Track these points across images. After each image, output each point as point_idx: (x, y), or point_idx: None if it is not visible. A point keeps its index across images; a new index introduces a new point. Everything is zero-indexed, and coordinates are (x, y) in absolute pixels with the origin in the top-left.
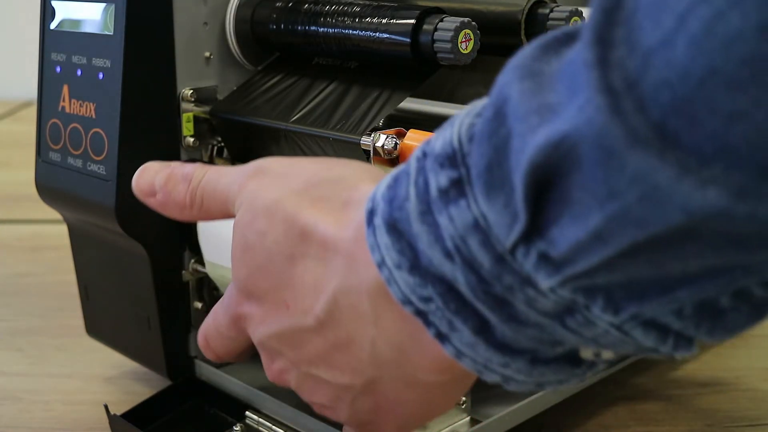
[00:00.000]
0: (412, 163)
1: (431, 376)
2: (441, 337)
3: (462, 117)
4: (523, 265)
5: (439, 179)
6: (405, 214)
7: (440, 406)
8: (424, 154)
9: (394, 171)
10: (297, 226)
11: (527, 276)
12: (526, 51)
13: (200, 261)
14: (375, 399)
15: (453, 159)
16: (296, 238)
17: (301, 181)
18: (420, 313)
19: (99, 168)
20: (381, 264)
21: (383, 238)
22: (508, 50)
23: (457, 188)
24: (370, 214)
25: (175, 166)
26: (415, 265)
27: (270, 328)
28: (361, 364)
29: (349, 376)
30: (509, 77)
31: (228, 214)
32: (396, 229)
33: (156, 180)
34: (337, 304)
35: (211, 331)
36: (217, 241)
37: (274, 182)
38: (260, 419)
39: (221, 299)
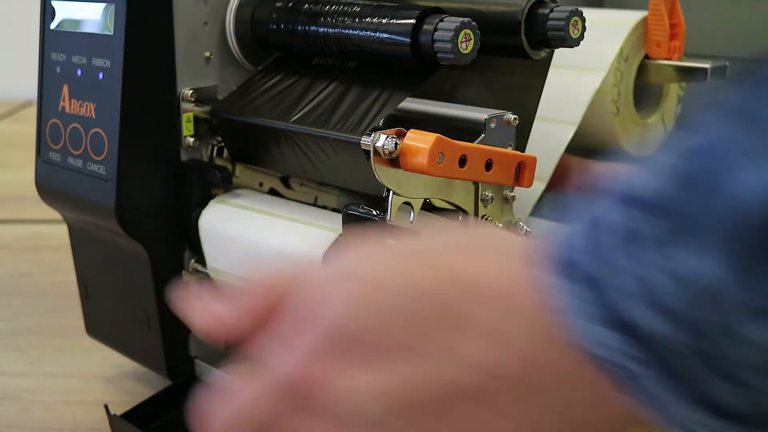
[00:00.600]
0: (607, 211)
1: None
2: (643, 399)
3: (667, 152)
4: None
5: (653, 225)
6: (608, 265)
7: None
8: (628, 199)
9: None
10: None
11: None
12: (732, 90)
13: (200, 261)
14: None
15: (657, 207)
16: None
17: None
18: (617, 372)
19: (99, 168)
20: (564, 312)
21: (580, 291)
22: (508, 50)
23: (671, 234)
24: (569, 267)
25: None
26: (611, 319)
27: (382, 392)
28: None
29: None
30: (716, 116)
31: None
32: (595, 281)
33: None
34: (523, 363)
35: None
36: (221, 248)
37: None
38: None
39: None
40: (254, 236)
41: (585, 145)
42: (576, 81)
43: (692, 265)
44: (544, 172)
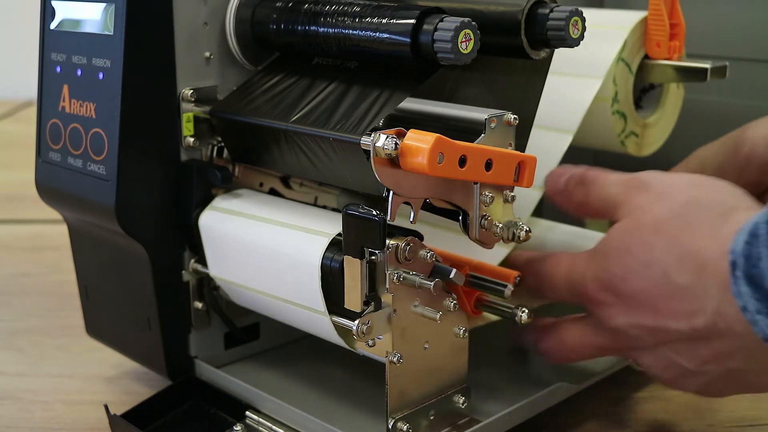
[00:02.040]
0: (762, 227)
1: None
2: None
3: None
4: None
5: None
6: (760, 271)
7: None
8: None
9: (750, 223)
10: (677, 249)
11: None
12: None
13: (200, 261)
14: (728, 380)
15: None
16: (674, 258)
17: (680, 203)
18: None
19: (99, 168)
20: (744, 309)
21: (744, 288)
22: (508, 50)
23: None
24: (733, 267)
25: (575, 172)
26: None
27: (634, 320)
28: (726, 359)
29: (711, 365)
30: None
31: (611, 216)
32: (754, 282)
33: (561, 181)
34: (715, 324)
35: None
36: (220, 259)
37: (658, 201)
38: (260, 419)
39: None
40: (251, 244)
41: (585, 146)
42: (573, 88)
43: None
44: (542, 180)
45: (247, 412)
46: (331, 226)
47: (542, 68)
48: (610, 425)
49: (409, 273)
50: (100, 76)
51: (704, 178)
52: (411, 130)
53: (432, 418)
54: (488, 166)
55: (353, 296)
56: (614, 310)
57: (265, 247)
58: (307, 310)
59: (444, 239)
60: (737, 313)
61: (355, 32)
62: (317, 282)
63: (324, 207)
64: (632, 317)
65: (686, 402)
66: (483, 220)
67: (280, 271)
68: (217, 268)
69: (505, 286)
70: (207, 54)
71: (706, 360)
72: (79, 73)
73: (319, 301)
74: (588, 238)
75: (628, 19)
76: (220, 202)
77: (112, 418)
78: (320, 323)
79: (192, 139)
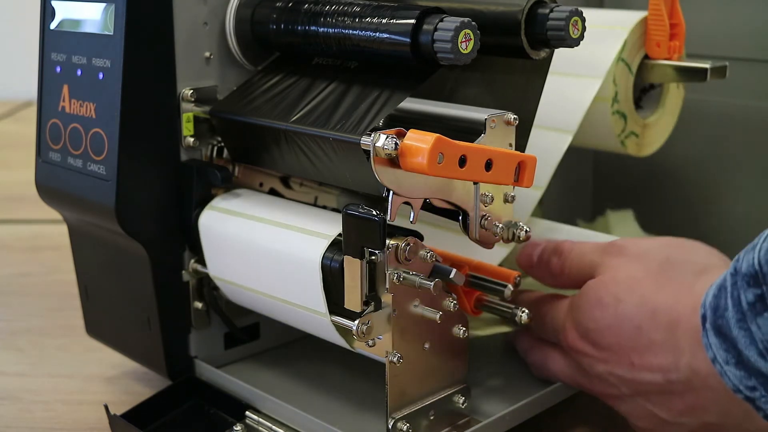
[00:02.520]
0: (728, 279)
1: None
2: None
3: (762, 239)
4: None
5: (747, 295)
6: (726, 321)
7: None
8: (736, 271)
9: (718, 280)
10: (651, 305)
11: None
12: None
13: (200, 261)
14: (703, 431)
15: (756, 279)
16: (648, 314)
17: (657, 262)
18: (749, 399)
19: (99, 168)
20: (714, 360)
21: (713, 339)
22: (508, 50)
23: (762, 303)
24: (703, 319)
25: (548, 243)
26: (740, 361)
27: (611, 369)
28: (701, 413)
29: (687, 417)
30: None
31: (588, 279)
32: (721, 333)
33: (534, 253)
34: (689, 379)
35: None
36: (220, 259)
37: (634, 262)
38: (260, 419)
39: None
40: (251, 244)
41: (585, 146)
42: (573, 88)
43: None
44: (541, 180)
45: (247, 412)
46: (331, 226)
47: (542, 68)
48: (610, 425)
49: (409, 273)
50: (100, 76)
51: (680, 240)
52: (411, 130)
53: (432, 418)
54: (488, 166)
55: (353, 296)
56: (593, 359)
57: (265, 248)
58: (307, 310)
59: (444, 239)
60: (710, 368)
61: (355, 32)
62: (318, 282)
63: (324, 207)
64: (609, 367)
65: None
66: (483, 220)
67: (280, 271)
68: (216, 268)
69: (505, 286)
70: (207, 54)
71: (681, 412)
72: (79, 73)
73: (320, 301)
74: (589, 237)
75: (628, 19)
76: (219, 202)
77: (112, 418)
78: (320, 323)
79: (192, 139)
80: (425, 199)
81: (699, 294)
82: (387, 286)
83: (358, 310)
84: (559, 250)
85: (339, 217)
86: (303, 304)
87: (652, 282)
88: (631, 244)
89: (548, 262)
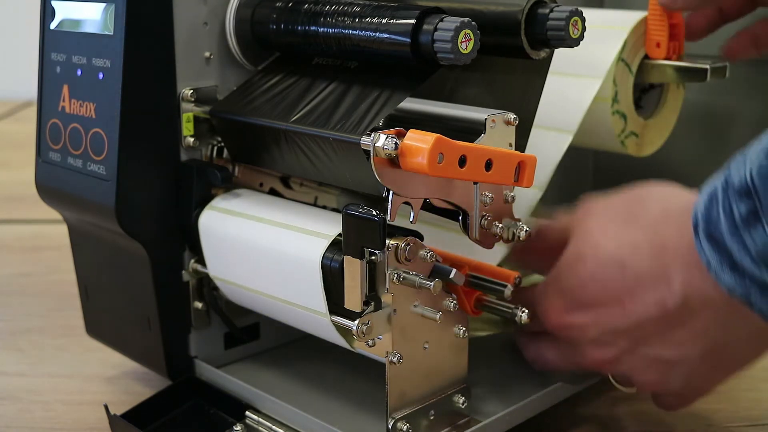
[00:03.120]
0: (719, 188)
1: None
2: (764, 315)
3: (755, 153)
4: None
5: (740, 208)
6: (719, 231)
7: (759, 357)
8: (727, 183)
9: (708, 189)
10: (628, 239)
11: None
12: None
13: (200, 261)
14: (710, 362)
15: (748, 193)
16: (628, 249)
17: (623, 204)
18: (744, 299)
19: (99, 168)
20: (708, 264)
21: (706, 245)
22: (508, 50)
23: (755, 216)
24: (695, 228)
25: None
26: (734, 267)
27: (603, 326)
28: (702, 335)
29: (689, 348)
30: None
31: (563, 243)
32: (715, 241)
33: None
34: (686, 298)
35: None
36: (220, 259)
37: (602, 211)
38: (260, 419)
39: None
40: (250, 244)
41: (585, 146)
42: (573, 88)
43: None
44: (541, 180)
45: (247, 412)
46: (331, 226)
47: (542, 68)
48: (610, 425)
49: (409, 273)
50: (100, 76)
51: (643, 185)
52: (411, 130)
53: (432, 418)
54: (488, 166)
55: (353, 296)
56: (582, 326)
57: (265, 248)
58: (307, 310)
59: (444, 239)
60: (705, 279)
61: (355, 32)
62: (318, 282)
63: (324, 207)
64: (600, 325)
65: None
66: (483, 220)
67: (280, 271)
68: (216, 268)
69: (505, 286)
70: (207, 54)
71: (683, 342)
72: (79, 73)
73: (320, 301)
74: None
75: (628, 19)
76: (219, 202)
77: (112, 418)
78: (320, 323)
79: (192, 139)
80: (425, 199)
81: (677, 218)
82: (387, 286)
83: (358, 310)
84: (539, 232)
85: (339, 217)
86: (303, 304)
87: (623, 222)
88: (595, 201)
89: (533, 246)
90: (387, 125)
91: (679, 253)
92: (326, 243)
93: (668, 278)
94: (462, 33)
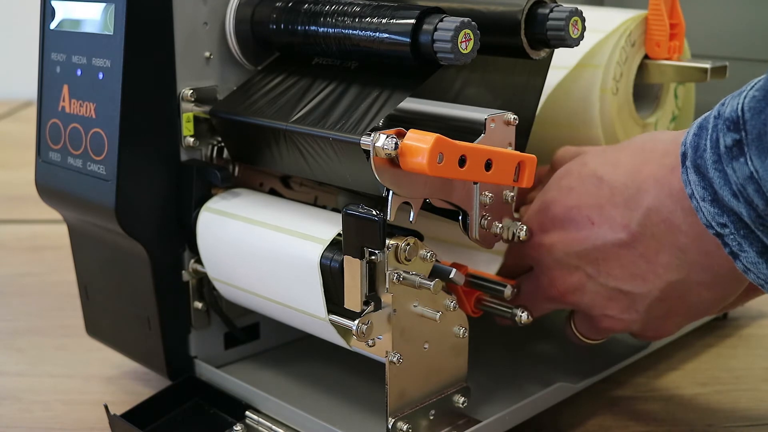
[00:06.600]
0: (710, 119)
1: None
2: (733, 255)
3: (749, 87)
4: None
5: (726, 139)
6: (704, 161)
7: (718, 306)
8: (719, 114)
9: (699, 120)
10: (613, 157)
11: None
12: None
13: (200, 261)
14: (669, 302)
15: (736, 124)
16: (610, 166)
17: (620, 144)
18: (718, 235)
19: (99, 168)
20: (691, 195)
21: (692, 176)
22: (508, 50)
23: (739, 147)
24: (683, 157)
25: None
26: (714, 199)
27: (571, 247)
28: (664, 271)
29: (650, 283)
30: None
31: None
32: (700, 171)
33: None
34: (649, 219)
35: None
36: (217, 260)
37: (595, 152)
38: (260, 419)
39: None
40: (248, 246)
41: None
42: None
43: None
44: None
45: (247, 412)
46: (331, 226)
47: (542, 68)
48: (610, 425)
49: (409, 273)
50: (100, 76)
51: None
52: (411, 130)
53: (432, 418)
54: (488, 166)
55: (353, 296)
56: (550, 245)
57: (265, 248)
58: (307, 310)
59: (440, 250)
60: (674, 205)
61: (355, 32)
62: (318, 282)
63: (324, 207)
64: (568, 243)
65: (686, 402)
66: (483, 220)
67: (280, 272)
68: (214, 269)
69: (505, 287)
70: (207, 54)
71: (645, 275)
72: (79, 73)
73: (320, 301)
74: None
75: (628, 19)
76: (215, 202)
77: (112, 418)
78: (320, 323)
79: (192, 139)
80: (425, 199)
81: (665, 145)
82: (387, 286)
83: (358, 310)
84: (555, 159)
85: (339, 217)
86: (303, 304)
87: (618, 147)
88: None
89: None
90: (387, 125)
91: (654, 177)
92: (326, 243)
93: (638, 200)
94: (462, 33)
